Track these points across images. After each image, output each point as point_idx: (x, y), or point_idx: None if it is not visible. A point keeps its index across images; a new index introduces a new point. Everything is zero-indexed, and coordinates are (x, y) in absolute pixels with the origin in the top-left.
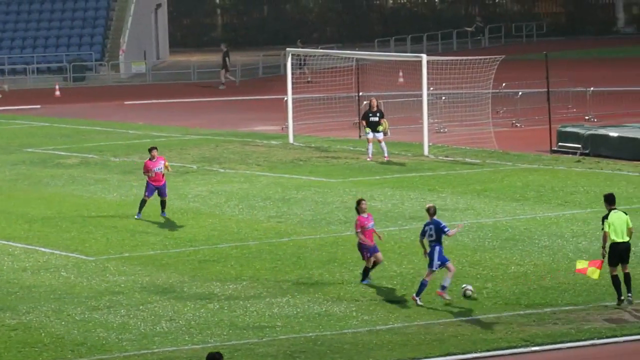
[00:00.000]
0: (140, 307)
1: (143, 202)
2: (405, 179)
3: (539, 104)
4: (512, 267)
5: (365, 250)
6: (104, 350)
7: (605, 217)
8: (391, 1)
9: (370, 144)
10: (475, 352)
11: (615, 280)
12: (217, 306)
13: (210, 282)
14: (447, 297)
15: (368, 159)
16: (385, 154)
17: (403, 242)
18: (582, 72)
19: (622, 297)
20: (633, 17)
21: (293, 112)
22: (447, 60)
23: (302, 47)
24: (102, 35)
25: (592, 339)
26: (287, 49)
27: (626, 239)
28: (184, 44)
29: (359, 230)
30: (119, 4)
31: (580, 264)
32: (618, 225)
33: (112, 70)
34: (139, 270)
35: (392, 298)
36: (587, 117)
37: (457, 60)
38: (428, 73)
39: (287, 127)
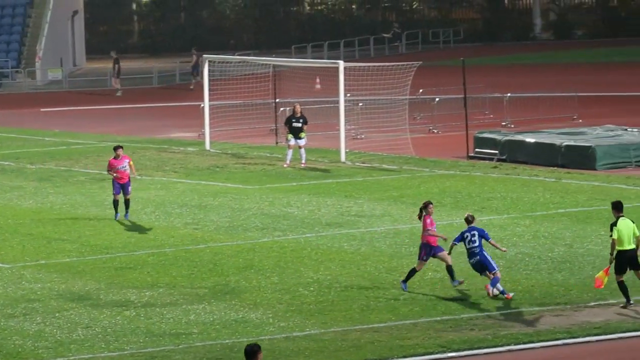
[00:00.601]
0: (57, 315)
1: (115, 202)
2: (322, 185)
3: (456, 110)
4: (429, 274)
5: (424, 251)
6: (19, 357)
7: (614, 224)
8: (308, 7)
9: (291, 150)
10: (392, 358)
11: (621, 285)
12: (134, 313)
13: (127, 289)
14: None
15: (285, 165)
16: (303, 161)
17: (320, 248)
18: (499, 78)
19: (632, 302)
20: (550, 23)
21: (210, 119)
22: (364, 66)
23: (196, 55)
24: (19, 42)
25: (509, 344)
26: (204, 55)
27: (632, 246)
28: (101, 50)
29: (429, 229)
30: (36, 11)
31: (599, 277)
32: (625, 233)
33: (28, 77)
34: (55, 277)
35: (309, 305)
36: (503, 123)
37: (374, 66)
38: (345, 79)
39: (203, 134)
